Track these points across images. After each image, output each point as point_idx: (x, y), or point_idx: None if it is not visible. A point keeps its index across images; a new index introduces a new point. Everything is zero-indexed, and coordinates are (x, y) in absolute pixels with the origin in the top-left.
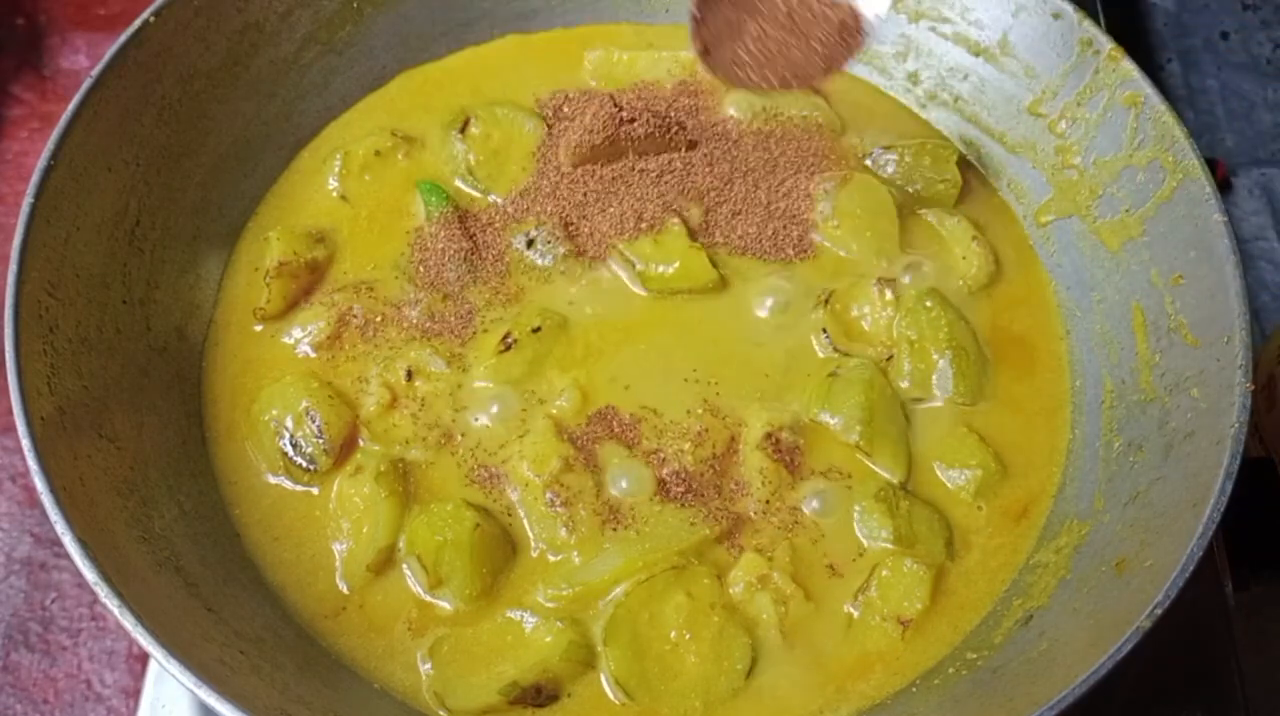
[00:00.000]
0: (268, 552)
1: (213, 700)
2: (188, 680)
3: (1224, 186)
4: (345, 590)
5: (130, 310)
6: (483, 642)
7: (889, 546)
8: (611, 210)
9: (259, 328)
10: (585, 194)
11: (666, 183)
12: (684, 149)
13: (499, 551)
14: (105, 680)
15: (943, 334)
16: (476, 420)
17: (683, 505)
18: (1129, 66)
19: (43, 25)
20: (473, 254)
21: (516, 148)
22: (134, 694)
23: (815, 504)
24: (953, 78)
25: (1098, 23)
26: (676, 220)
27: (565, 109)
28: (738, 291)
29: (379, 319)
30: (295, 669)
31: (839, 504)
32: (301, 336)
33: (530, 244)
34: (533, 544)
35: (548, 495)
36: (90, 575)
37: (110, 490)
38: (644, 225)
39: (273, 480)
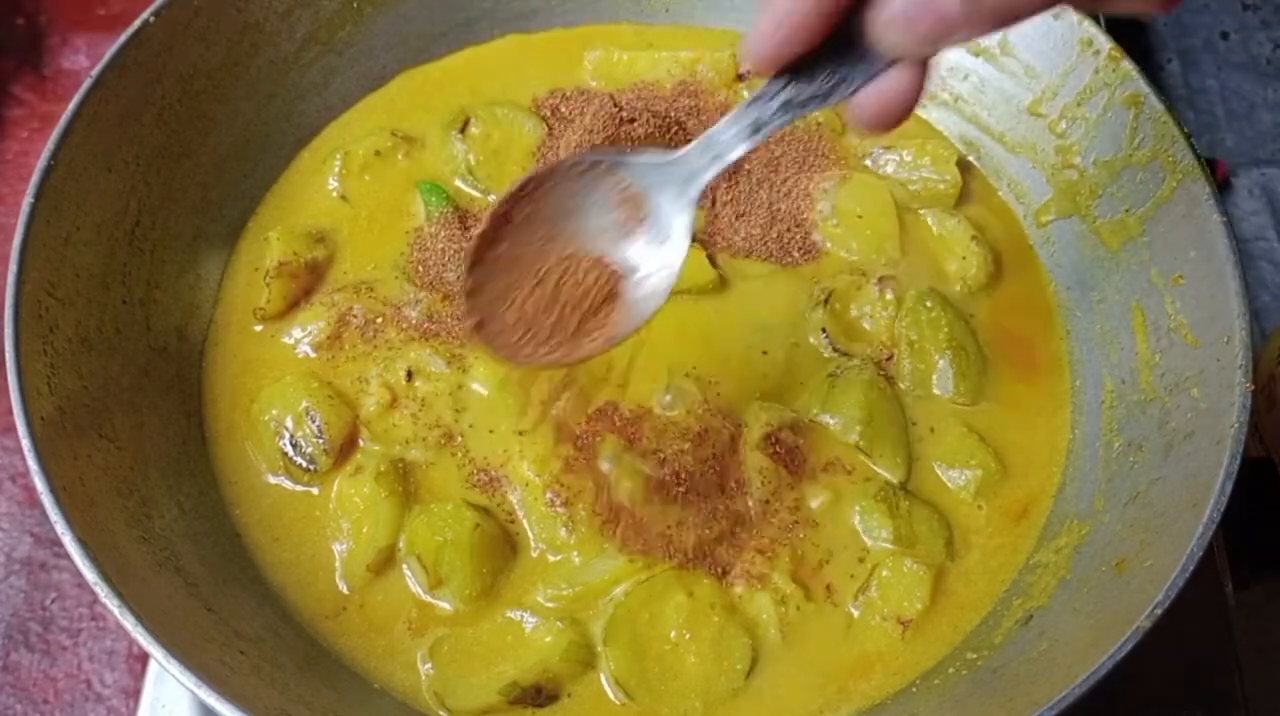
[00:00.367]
0: (268, 552)
1: (213, 700)
2: (188, 680)
3: (1224, 186)
4: (345, 590)
5: (130, 310)
6: (483, 642)
7: (889, 546)
8: None
9: (259, 328)
10: None
11: None
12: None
13: (499, 551)
14: (105, 680)
15: (943, 334)
16: (476, 420)
17: (683, 505)
18: (1129, 66)
19: (43, 25)
20: None
21: (516, 148)
22: (134, 694)
23: (815, 504)
24: (953, 78)
25: (1098, 23)
26: None
27: (563, 108)
28: (738, 291)
29: (379, 319)
30: (295, 669)
31: (839, 504)
32: (301, 336)
33: None
34: (533, 544)
35: (548, 495)
36: (90, 575)
37: (110, 490)
38: None
39: (273, 480)
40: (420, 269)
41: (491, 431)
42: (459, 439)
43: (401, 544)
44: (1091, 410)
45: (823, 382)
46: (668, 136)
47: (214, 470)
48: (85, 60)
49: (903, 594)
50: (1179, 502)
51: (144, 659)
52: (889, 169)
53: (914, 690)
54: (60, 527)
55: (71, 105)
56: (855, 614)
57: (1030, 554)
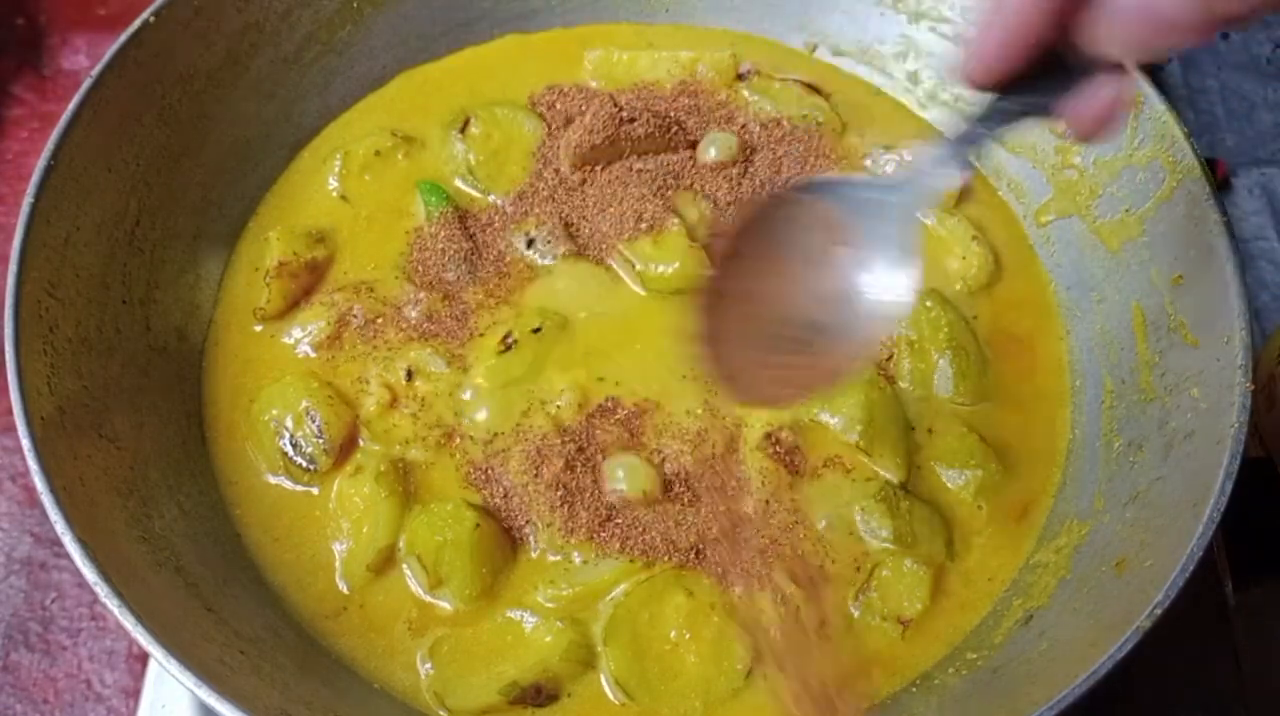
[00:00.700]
0: (268, 552)
1: (213, 700)
2: (188, 680)
3: (1224, 186)
4: (345, 590)
5: (130, 310)
6: (483, 642)
7: (889, 546)
8: (611, 210)
9: (259, 328)
10: (585, 194)
11: (667, 183)
12: (684, 149)
13: (499, 551)
14: (105, 680)
15: (943, 334)
16: (476, 420)
17: (683, 505)
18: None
19: (43, 25)
20: (473, 254)
21: (516, 148)
22: (134, 694)
23: (815, 504)
24: (953, 78)
25: None
26: (676, 220)
27: (559, 104)
28: None
29: (379, 319)
30: (295, 669)
31: (839, 504)
32: (301, 336)
33: (530, 244)
34: (533, 544)
35: (548, 495)
36: (90, 575)
37: (110, 490)
38: (644, 225)
39: (273, 480)
40: (420, 269)
41: (492, 431)
42: (459, 439)
43: (401, 544)
44: (1091, 410)
45: None
46: (668, 136)
47: (214, 470)
48: (85, 60)
49: (903, 594)
50: (1179, 502)
51: (144, 659)
52: (889, 169)
53: (914, 690)
54: (60, 527)
55: (71, 105)
56: (855, 614)
57: (1030, 554)
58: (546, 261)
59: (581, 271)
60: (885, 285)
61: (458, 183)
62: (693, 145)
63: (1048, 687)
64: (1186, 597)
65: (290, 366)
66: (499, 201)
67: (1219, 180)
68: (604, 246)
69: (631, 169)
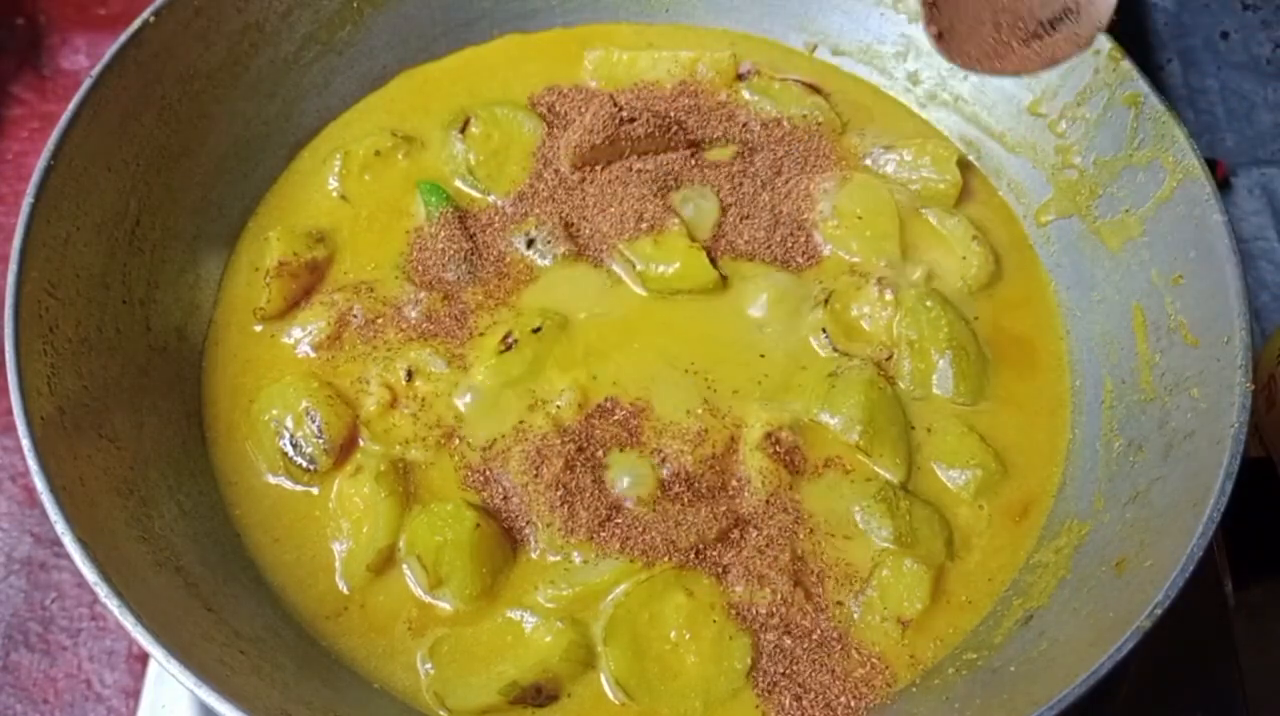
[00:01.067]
0: (268, 552)
1: (213, 700)
2: (188, 680)
3: (1224, 186)
4: (345, 590)
5: (130, 310)
6: (483, 642)
7: (889, 546)
8: (611, 210)
9: (259, 328)
10: (585, 194)
11: (667, 183)
12: (684, 149)
13: (499, 551)
14: (105, 680)
15: (943, 334)
16: (476, 420)
17: (683, 505)
18: (1129, 66)
19: (43, 25)
20: (473, 254)
21: (516, 148)
22: (134, 694)
23: (815, 504)
24: (953, 78)
25: None
26: (676, 220)
27: (559, 105)
28: (738, 291)
29: (379, 319)
30: (295, 669)
31: (839, 504)
32: (301, 336)
33: (530, 244)
34: (533, 544)
35: (548, 495)
36: (90, 575)
37: (110, 490)
38: (644, 225)
39: (273, 480)
40: (420, 269)
41: (492, 431)
42: (459, 439)
43: (401, 544)
44: (1091, 410)
45: (823, 382)
46: (668, 136)
47: (214, 470)
48: (85, 60)
49: (903, 594)
50: (1179, 502)
51: (144, 659)
52: (889, 169)
53: (914, 690)
54: (60, 527)
55: (71, 105)
56: (855, 614)
57: (1030, 554)
58: (546, 261)
59: (581, 271)
60: None
61: (458, 183)
62: (692, 145)
63: (1048, 687)
64: (1186, 597)
65: (290, 366)
66: (499, 201)
67: (1219, 180)
68: (604, 246)
69: (631, 169)
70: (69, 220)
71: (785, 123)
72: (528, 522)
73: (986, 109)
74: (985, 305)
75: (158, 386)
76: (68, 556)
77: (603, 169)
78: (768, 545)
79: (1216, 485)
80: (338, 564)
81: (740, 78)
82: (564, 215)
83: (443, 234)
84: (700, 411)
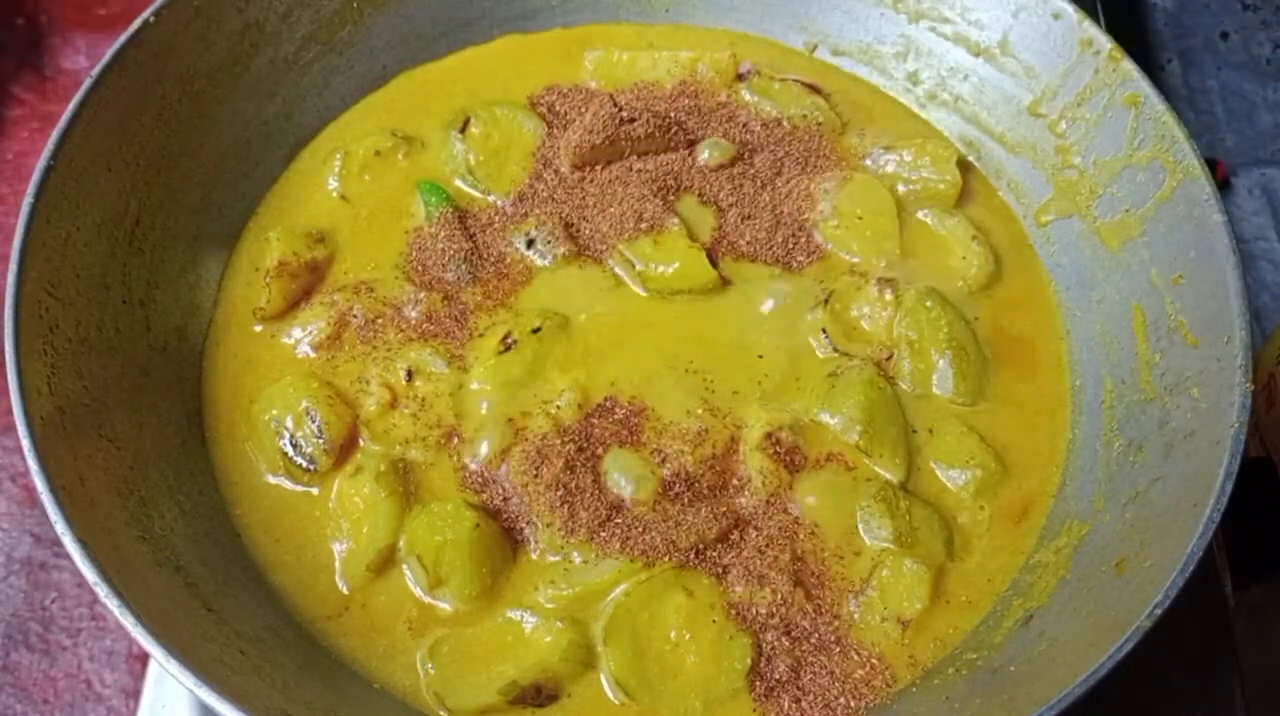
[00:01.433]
0: (268, 552)
1: (213, 700)
2: (188, 680)
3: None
4: (345, 590)
5: (130, 310)
6: (483, 642)
7: (889, 546)
8: (611, 210)
9: (259, 328)
10: (585, 194)
11: (667, 183)
12: (684, 149)
13: (499, 551)
14: (105, 680)
15: (943, 334)
16: (477, 420)
17: (683, 505)
18: (1129, 66)
19: (43, 25)
20: (473, 254)
21: (516, 148)
22: (134, 694)
23: (815, 504)
24: (953, 78)
25: (1098, 23)
26: (676, 220)
27: (559, 105)
28: (737, 292)
29: (379, 319)
30: (295, 669)
31: (839, 504)
32: (301, 336)
33: (530, 244)
34: (533, 544)
35: (548, 495)
36: (90, 575)
37: (110, 490)
38: (644, 225)
39: (273, 480)
40: (420, 269)
41: (491, 431)
42: (459, 439)
43: (401, 544)
44: (1091, 410)
45: (823, 382)
46: (668, 136)
47: (214, 470)
48: (85, 60)
49: (903, 594)
50: (1179, 502)
51: (144, 659)
52: (889, 169)
53: (914, 690)
54: (60, 527)
55: (71, 105)
56: (855, 614)
57: (1030, 554)
58: (546, 262)
59: (581, 272)
60: None
61: (458, 183)
62: (693, 145)
63: (1048, 687)
64: (1186, 597)
65: (290, 366)
66: (499, 201)
67: (1219, 180)
68: (604, 246)
69: (631, 169)
70: (69, 220)
71: (785, 123)
72: (528, 523)
73: (986, 109)
74: (985, 305)
75: (158, 386)
76: (68, 556)
77: (603, 169)
78: (768, 545)
79: (1216, 485)
80: (338, 564)
81: (740, 78)
82: (564, 215)
83: (443, 234)
84: (700, 411)
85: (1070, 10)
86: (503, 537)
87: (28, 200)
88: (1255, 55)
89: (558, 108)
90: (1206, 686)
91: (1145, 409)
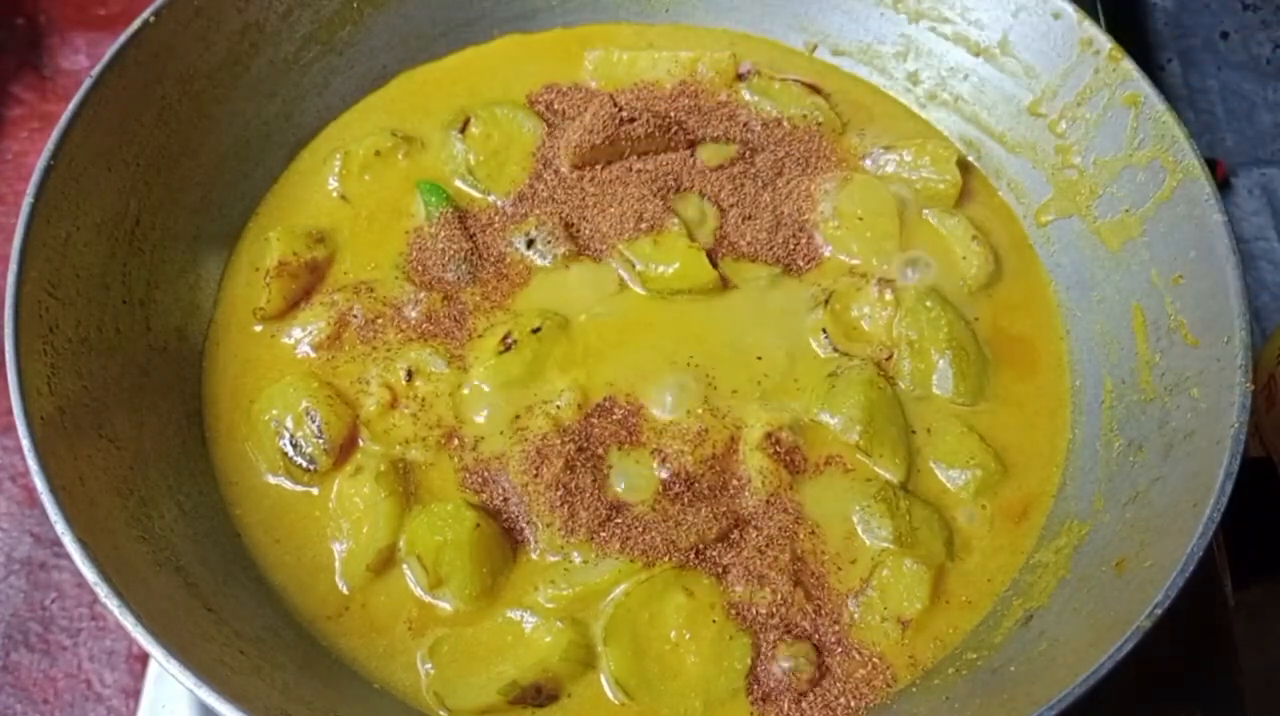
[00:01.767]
0: (268, 553)
1: (213, 700)
2: (188, 680)
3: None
4: (345, 590)
5: (130, 310)
6: (483, 642)
7: (889, 546)
8: (611, 210)
9: (259, 328)
10: (585, 194)
11: (667, 183)
12: (684, 149)
13: (499, 551)
14: (105, 680)
15: (943, 334)
16: (477, 420)
17: (683, 505)
18: (1129, 66)
19: (43, 25)
20: (473, 254)
21: (516, 148)
22: (134, 694)
23: (815, 504)
24: (953, 78)
25: (1098, 23)
26: (676, 220)
27: (557, 104)
28: (737, 292)
29: (379, 319)
30: (295, 669)
31: (839, 504)
32: (301, 336)
33: (530, 244)
34: (533, 544)
35: (548, 495)
36: (90, 575)
37: (110, 490)
38: (644, 225)
39: (273, 480)
40: (420, 269)
41: (491, 431)
42: (459, 439)
43: (401, 544)
44: (1091, 410)
45: (823, 382)
46: (668, 136)
47: (214, 470)
48: (85, 60)
49: (903, 594)
50: (1179, 502)
51: (144, 659)
52: (889, 169)
53: (914, 690)
54: (60, 527)
55: (71, 105)
56: (855, 614)
57: (1030, 554)
58: (546, 261)
59: (581, 271)
60: None
61: (458, 183)
62: (693, 145)
63: (1048, 687)
64: (1186, 597)
65: (290, 366)
66: (499, 201)
67: (1219, 180)
68: (604, 246)
69: (631, 169)
70: (69, 220)
71: (785, 123)
72: (528, 523)
73: (986, 109)
74: (985, 305)
75: (158, 386)
76: (68, 556)
77: (603, 169)
78: (768, 545)
79: (1216, 485)
80: (338, 564)
81: (740, 78)
82: (564, 215)
83: (443, 234)
84: (700, 411)
85: (1070, 10)
86: (503, 537)
87: (28, 200)
88: (1255, 55)
89: (556, 106)
90: (1206, 686)
91: (1145, 409)
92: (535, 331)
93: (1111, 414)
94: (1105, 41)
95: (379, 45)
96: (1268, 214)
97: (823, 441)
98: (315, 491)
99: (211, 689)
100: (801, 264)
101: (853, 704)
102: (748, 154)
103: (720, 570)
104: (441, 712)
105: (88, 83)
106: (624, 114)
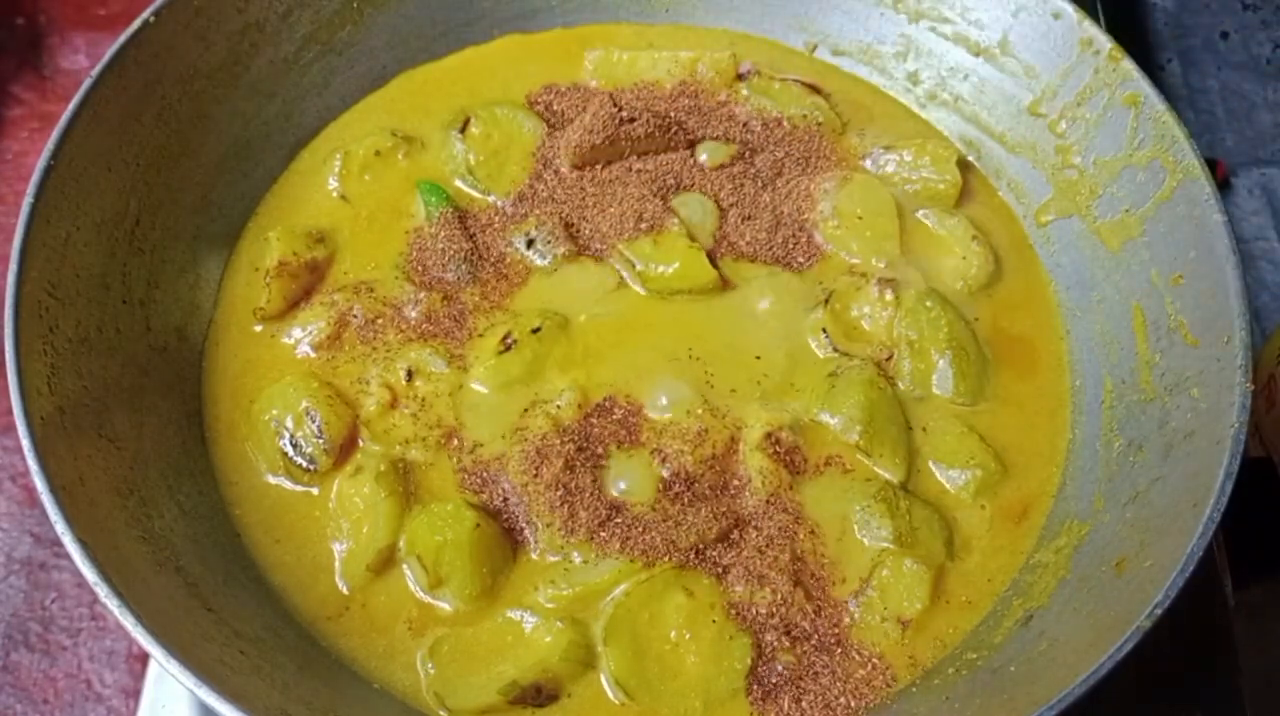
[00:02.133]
0: (268, 553)
1: (213, 700)
2: (188, 680)
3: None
4: (345, 590)
5: (130, 310)
6: (483, 642)
7: (889, 546)
8: (611, 210)
9: (259, 328)
10: (585, 194)
11: (667, 183)
12: (684, 149)
13: (499, 551)
14: (105, 680)
15: (943, 334)
16: (476, 420)
17: (683, 505)
18: (1129, 66)
19: (43, 25)
20: (473, 254)
21: (516, 148)
22: (134, 694)
23: (815, 504)
24: (953, 78)
25: (1098, 23)
26: (676, 220)
27: (557, 104)
28: (737, 292)
29: (379, 319)
30: (295, 669)
31: (839, 504)
32: (301, 336)
33: (530, 244)
34: (533, 544)
35: (548, 495)
36: (90, 575)
37: (110, 490)
38: (644, 225)
39: (273, 480)
40: (420, 269)
41: (491, 431)
42: (458, 439)
43: (401, 544)
44: (1091, 410)
45: (823, 382)
46: (668, 136)
47: (214, 470)
48: (85, 60)
49: (903, 594)
50: (1179, 502)
51: (144, 659)
52: (889, 169)
53: (914, 690)
54: (60, 527)
55: (71, 105)
56: (855, 614)
57: (1030, 554)
58: (546, 261)
59: (581, 271)
60: None
61: (458, 183)
62: (693, 145)
63: (1048, 687)
64: (1186, 597)
65: (290, 366)
66: (499, 201)
67: (1219, 180)
68: (604, 246)
69: (631, 169)
70: (69, 220)
71: (785, 123)
72: (528, 522)
73: (986, 109)
74: (985, 305)
75: (158, 386)
76: (68, 556)
77: (603, 169)
78: (768, 545)
79: (1216, 485)
80: (338, 564)
81: (740, 78)
82: (564, 215)
83: (443, 234)
84: (700, 411)
85: (1070, 10)
86: (503, 537)
87: (28, 200)
88: (1255, 55)
89: (556, 107)
90: (1206, 686)
91: (1145, 409)
92: (535, 331)
93: (1111, 414)
94: (1105, 41)
95: (379, 45)
96: (1268, 214)
97: (823, 441)
98: (315, 491)
99: (211, 689)
100: (801, 263)
101: (853, 704)
102: (748, 154)
103: (720, 570)
104: (441, 712)
105: (88, 83)
106: (624, 114)
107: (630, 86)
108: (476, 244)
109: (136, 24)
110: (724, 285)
